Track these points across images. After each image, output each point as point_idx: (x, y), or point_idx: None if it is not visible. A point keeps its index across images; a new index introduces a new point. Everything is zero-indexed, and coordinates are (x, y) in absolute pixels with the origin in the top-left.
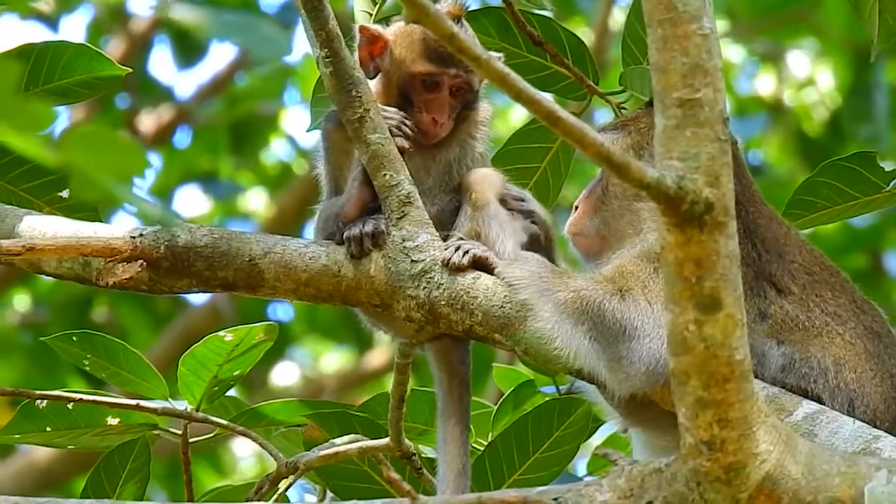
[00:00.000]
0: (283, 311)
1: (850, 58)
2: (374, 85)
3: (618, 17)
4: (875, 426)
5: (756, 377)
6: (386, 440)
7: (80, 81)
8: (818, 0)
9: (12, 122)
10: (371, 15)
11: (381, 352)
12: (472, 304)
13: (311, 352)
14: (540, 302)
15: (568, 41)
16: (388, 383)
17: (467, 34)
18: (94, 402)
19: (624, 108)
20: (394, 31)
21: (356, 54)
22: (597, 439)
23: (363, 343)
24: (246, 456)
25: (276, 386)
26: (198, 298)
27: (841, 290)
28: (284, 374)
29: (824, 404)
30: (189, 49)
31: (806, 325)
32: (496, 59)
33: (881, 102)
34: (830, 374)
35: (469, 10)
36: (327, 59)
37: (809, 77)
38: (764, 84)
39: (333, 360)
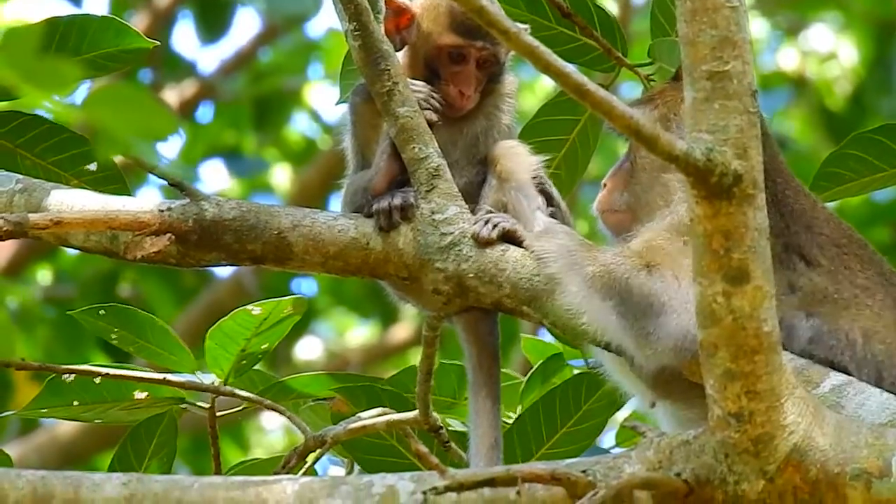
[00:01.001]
0: (306, 285)
1: (873, 31)
2: (399, 58)
3: None
4: None
5: (784, 349)
6: (413, 413)
7: (106, 54)
8: None
9: (36, 82)
10: None
11: (406, 326)
12: (501, 277)
13: (335, 326)
14: (568, 276)
15: (596, 13)
16: (414, 357)
17: (495, 6)
18: (120, 376)
19: (653, 80)
20: (421, 4)
21: (382, 27)
22: (624, 412)
23: (388, 317)
24: (274, 429)
25: (300, 360)
26: (223, 272)
27: (869, 262)
28: (308, 349)
29: (851, 375)
30: (212, 23)
31: (835, 297)
32: (524, 31)
33: None
34: (858, 346)
35: None
36: (356, 33)
37: (832, 51)
38: (787, 58)
39: (358, 334)
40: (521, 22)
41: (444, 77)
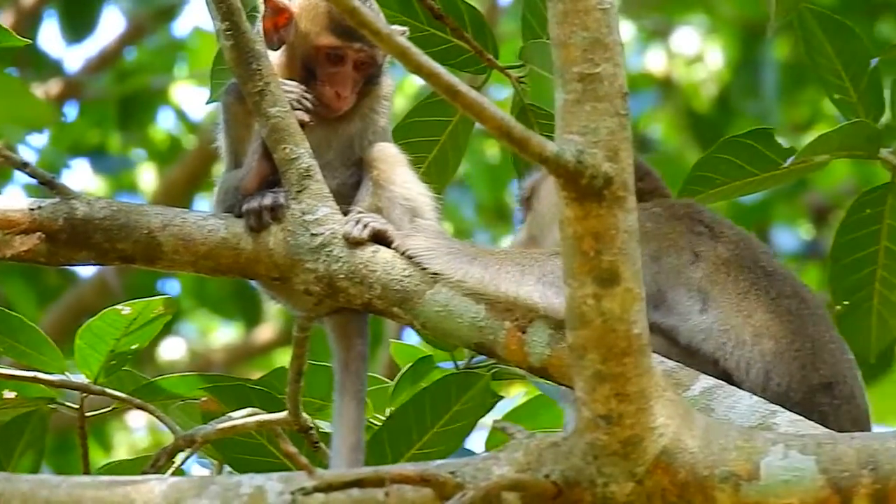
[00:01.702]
0: (170, 286)
1: (739, 34)
2: (277, 57)
3: None
4: (789, 396)
5: (673, 341)
6: (283, 414)
7: None
8: None
9: None
10: None
11: (271, 326)
12: (371, 278)
13: (198, 327)
14: (454, 268)
15: (468, 14)
16: (278, 358)
17: (371, 8)
18: None
19: (523, 83)
20: (299, 4)
21: (259, 26)
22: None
23: (252, 318)
24: (139, 428)
25: (163, 360)
26: (87, 272)
27: (766, 255)
28: (172, 349)
29: (735, 376)
30: (78, 22)
31: (737, 277)
32: (398, 32)
33: (769, 79)
34: (747, 346)
35: None
36: (228, 32)
37: (698, 54)
38: (653, 60)
39: (222, 335)
40: (396, 24)
41: (321, 77)
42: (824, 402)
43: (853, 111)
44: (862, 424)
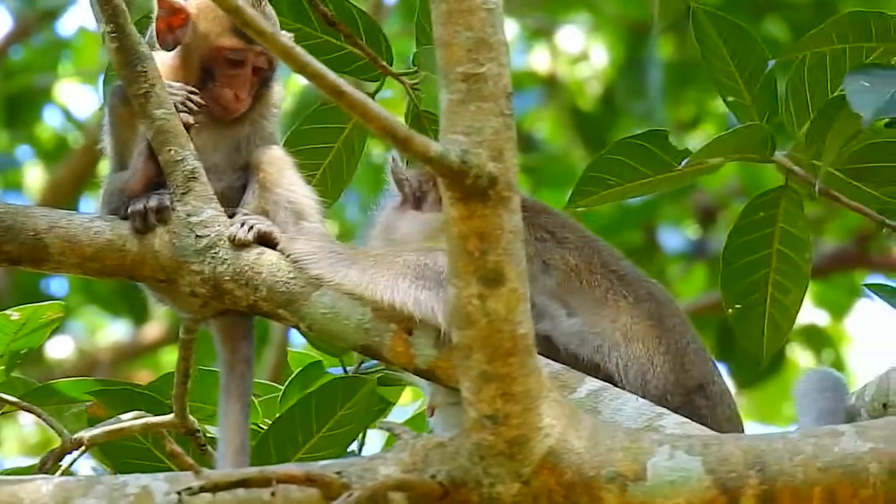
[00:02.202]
0: (57, 284)
1: (624, 34)
2: (170, 59)
3: None
4: (667, 399)
5: (552, 347)
6: (170, 416)
7: None
8: None
9: None
10: None
11: (158, 325)
12: (257, 280)
13: (86, 324)
14: (334, 272)
15: (361, 21)
16: (165, 357)
17: (266, 12)
18: None
19: (417, 89)
20: (197, 4)
21: (153, 26)
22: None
23: (139, 316)
24: (27, 423)
25: (51, 359)
26: None
27: (615, 257)
28: (59, 347)
29: (616, 379)
30: None
31: (591, 283)
32: (283, 34)
33: (655, 78)
34: (622, 348)
35: None
36: (113, 35)
37: (583, 52)
38: (538, 59)
39: (109, 333)
40: (287, 30)
41: (219, 79)
42: (701, 403)
43: (747, 114)
44: (735, 424)
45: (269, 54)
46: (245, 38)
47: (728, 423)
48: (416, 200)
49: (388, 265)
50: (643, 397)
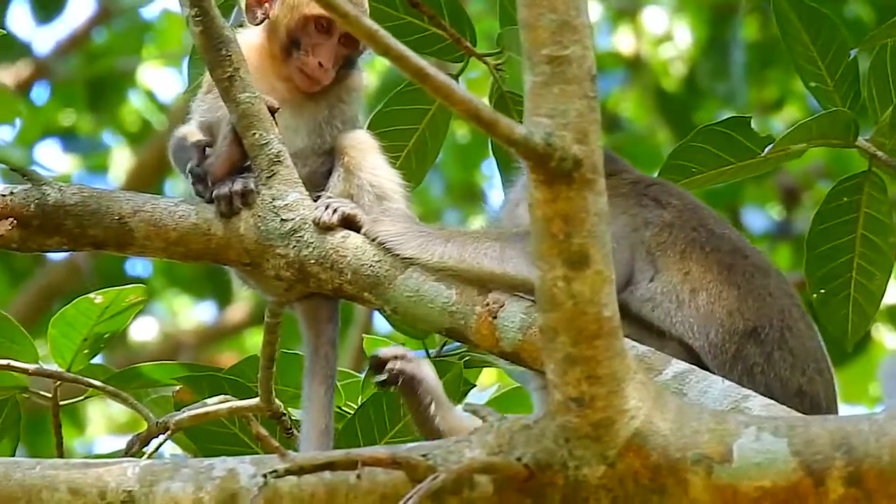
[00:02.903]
0: (141, 266)
1: (708, 13)
2: (255, 35)
3: None
4: (724, 347)
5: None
6: (256, 400)
7: None
8: None
9: None
10: None
11: (242, 307)
12: (342, 263)
13: (169, 307)
14: (429, 251)
15: (445, 2)
16: (249, 339)
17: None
18: None
19: (501, 70)
20: None
21: (241, 2)
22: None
23: (224, 298)
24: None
25: (134, 342)
26: (57, 254)
27: (714, 220)
28: (143, 330)
29: (687, 338)
30: (47, 4)
31: (680, 237)
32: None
33: (738, 59)
34: (686, 304)
35: None
36: (196, 18)
37: (667, 33)
38: (621, 40)
39: (193, 315)
40: (371, 11)
41: (306, 48)
42: (752, 351)
43: (829, 99)
44: (801, 370)
45: None
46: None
47: (791, 370)
48: None
49: (489, 239)
50: (709, 352)
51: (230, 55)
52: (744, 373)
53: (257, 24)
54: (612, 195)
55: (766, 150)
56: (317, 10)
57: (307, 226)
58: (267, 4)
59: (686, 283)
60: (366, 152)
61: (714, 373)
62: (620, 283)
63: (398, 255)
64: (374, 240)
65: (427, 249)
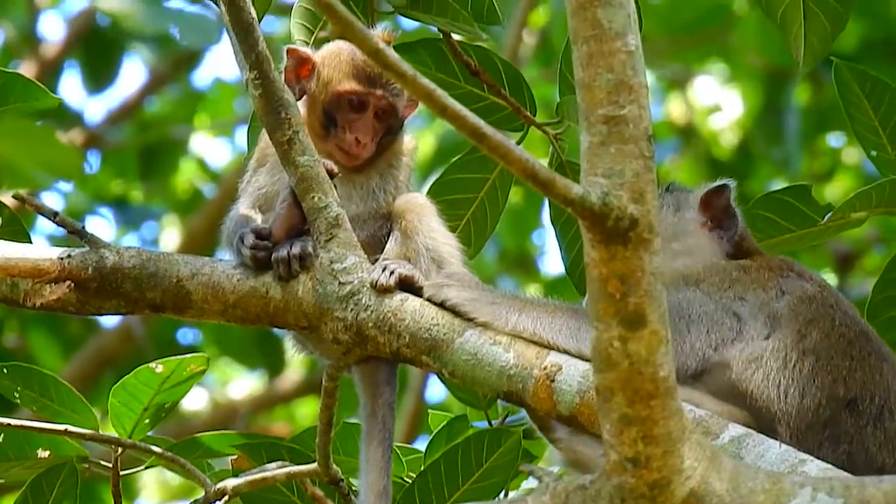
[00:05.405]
0: (191, 335)
1: (761, 79)
2: (301, 106)
3: (526, 40)
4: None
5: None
6: (313, 465)
7: (13, 111)
8: (731, 21)
9: None
10: (308, 43)
11: (292, 376)
12: (400, 326)
13: (220, 376)
14: (503, 318)
15: (505, 71)
16: (300, 408)
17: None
18: (22, 427)
19: (560, 139)
20: (321, 54)
21: (282, 76)
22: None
23: (275, 366)
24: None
25: (186, 411)
26: (110, 320)
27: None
28: (193, 399)
29: (767, 400)
30: (99, 73)
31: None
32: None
33: (792, 124)
34: (791, 364)
35: (402, 40)
36: (256, 81)
37: (717, 103)
38: (673, 108)
39: (243, 384)
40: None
41: (342, 124)
42: (847, 419)
43: (890, 167)
44: (889, 450)
45: (392, 99)
46: (366, 83)
47: (879, 448)
48: (723, 235)
49: (567, 314)
50: (794, 415)
51: (289, 118)
52: (829, 439)
53: (298, 100)
54: (757, 266)
55: (826, 217)
56: (349, 86)
57: (365, 289)
58: (304, 80)
59: (801, 343)
60: (422, 215)
61: (784, 440)
62: (715, 342)
63: (472, 319)
64: (442, 304)
65: (500, 316)
